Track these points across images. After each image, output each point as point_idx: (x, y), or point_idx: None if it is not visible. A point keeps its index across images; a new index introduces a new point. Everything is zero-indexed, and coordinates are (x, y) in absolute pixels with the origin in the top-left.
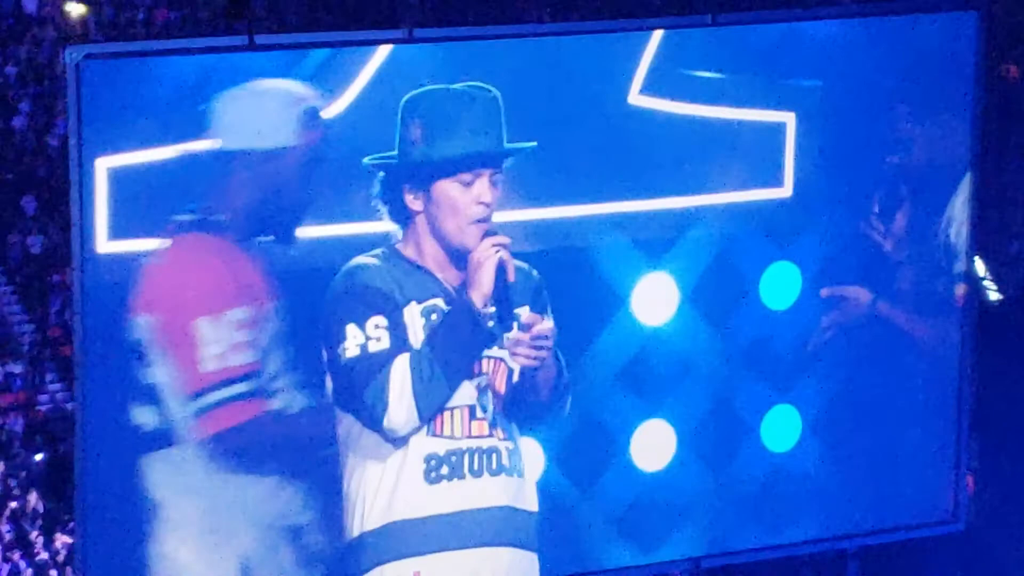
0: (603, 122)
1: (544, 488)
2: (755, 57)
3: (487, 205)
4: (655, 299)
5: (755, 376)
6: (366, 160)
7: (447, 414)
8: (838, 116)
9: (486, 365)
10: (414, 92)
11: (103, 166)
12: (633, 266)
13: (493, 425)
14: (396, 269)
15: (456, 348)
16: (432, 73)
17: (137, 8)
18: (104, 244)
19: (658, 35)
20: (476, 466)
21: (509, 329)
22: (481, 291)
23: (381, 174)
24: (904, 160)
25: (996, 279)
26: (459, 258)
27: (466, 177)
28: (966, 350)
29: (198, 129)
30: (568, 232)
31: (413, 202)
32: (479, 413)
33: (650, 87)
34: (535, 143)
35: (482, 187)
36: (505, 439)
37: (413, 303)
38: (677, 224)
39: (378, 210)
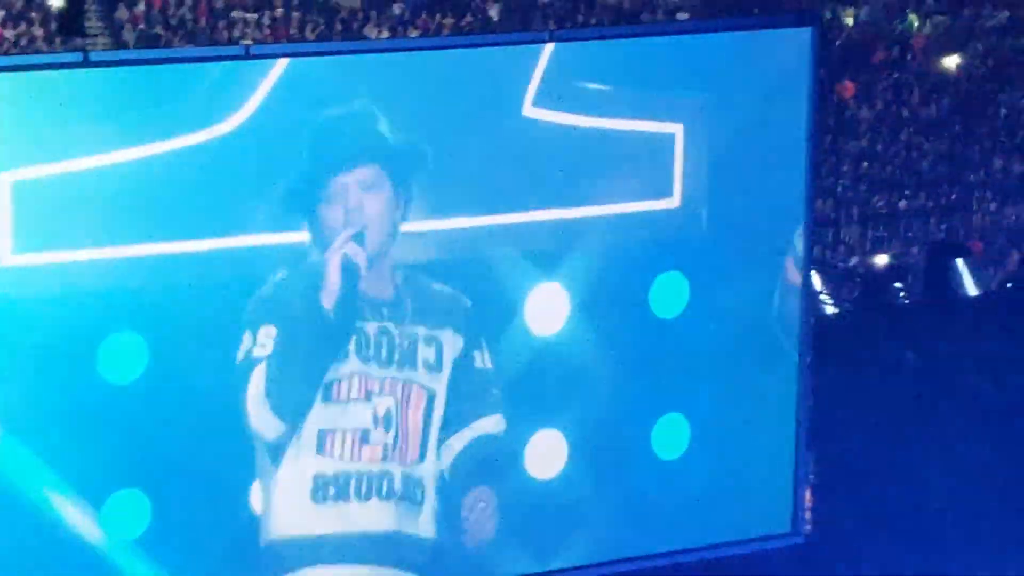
0: (497, 134)
1: (442, 500)
2: (644, 70)
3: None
4: (547, 309)
5: (645, 384)
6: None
7: (337, 436)
8: (713, 125)
9: (388, 386)
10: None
11: None
12: (526, 276)
13: (391, 450)
14: (307, 284)
15: (306, 350)
16: (327, 89)
17: None
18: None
19: (550, 48)
20: (364, 490)
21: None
22: (328, 291)
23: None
24: (756, 176)
25: (831, 294)
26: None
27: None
28: (802, 364)
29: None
30: (462, 243)
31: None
32: (372, 438)
33: (543, 99)
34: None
35: (353, 196)
36: (408, 465)
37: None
38: (568, 235)
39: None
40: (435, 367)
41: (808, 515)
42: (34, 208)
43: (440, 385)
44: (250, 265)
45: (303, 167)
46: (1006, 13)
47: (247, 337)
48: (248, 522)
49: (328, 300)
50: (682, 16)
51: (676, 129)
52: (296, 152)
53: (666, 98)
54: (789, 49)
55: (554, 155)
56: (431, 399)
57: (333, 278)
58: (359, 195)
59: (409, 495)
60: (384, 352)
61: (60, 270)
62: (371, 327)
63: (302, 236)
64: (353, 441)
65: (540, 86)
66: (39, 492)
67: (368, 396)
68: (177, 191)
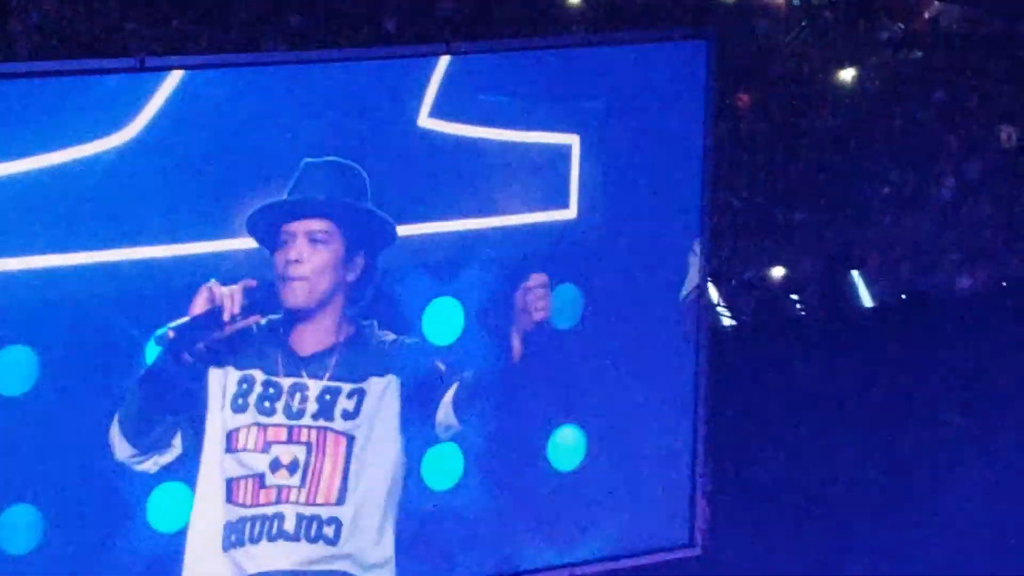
0: (392, 145)
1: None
2: (541, 80)
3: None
4: (444, 321)
5: (541, 396)
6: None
7: (242, 483)
8: (608, 136)
9: (308, 435)
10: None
11: None
12: (423, 289)
13: (291, 491)
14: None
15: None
16: (219, 101)
17: None
18: None
19: (445, 60)
20: (256, 533)
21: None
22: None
23: None
24: (652, 187)
25: (729, 306)
26: None
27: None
28: (700, 375)
29: None
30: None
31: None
32: (268, 480)
33: (439, 110)
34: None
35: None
36: (313, 506)
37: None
38: (464, 247)
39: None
40: (352, 415)
41: (704, 527)
42: None
43: (359, 429)
44: (145, 278)
45: (204, 179)
46: (901, 26)
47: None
48: (145, 537)
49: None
50: (579, 29)
51: (573, 140)
52: (193, 164)
53: (562, 109)
54: (686, 63)
55: (450, 166)
56: (350, 442)
57: (196, 309)
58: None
59: (311, 535)
60: (296, 405)
61: None
62: (284, 382)
63: (205, 247)
64: (253, 487)
65: (436, 97)
66: None
67: (267, 446)
68: (72, 202)
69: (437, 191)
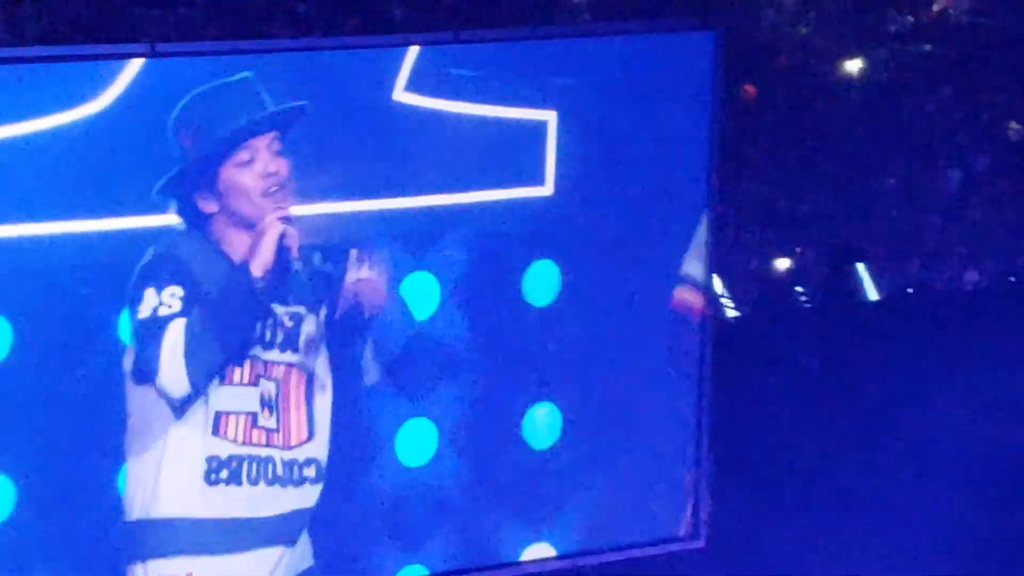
0: (367, 118)
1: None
2: (517, 54)
3: (274, 175)
4: (419, 296)
5: (516, 373)
6: (155, 191)
7: (231, 418)
8: (597, 116)
9: (276, 371)
10: (178, 106)
11: None
12: (397, 263)
13: (275, 431)
14: (206, 252)
15: (230, 315)
16: (193, 82)
17: None
18: None
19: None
20: (254, 474)
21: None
22: (260, 260)
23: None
24: (651, 172)
25: (733, 297)
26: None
27: (243, 156)
28: (704, 367)
29: None
30: (332, 229)
31: (207, 205)
32: (260, 421)
33: (414, 84)
34: (303, 103)
35: (263, 160)
36: (293, 448)
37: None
38: (439, 221)
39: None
40: (314, 348)
41: (708, 520)
42: None
43: (318, 363)
44: (129, 245)
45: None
46: (910, 18)
47: (150, 294)
48: (118, 505)
49: (258, 268)
50: (585, 17)
51: (549, 116)
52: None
53: (547, 86)
54: (692, 53)
55: (425, 141)
56: (310, 378)
57: (269, 244)
58: (271, 158)
59: (292, 479)
60: (269, 334)
61: None
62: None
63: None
64: (245, 424)
65: (412, 71)
66: None
67: (257, 380)
68: (49, 171)
69: (411, 166)
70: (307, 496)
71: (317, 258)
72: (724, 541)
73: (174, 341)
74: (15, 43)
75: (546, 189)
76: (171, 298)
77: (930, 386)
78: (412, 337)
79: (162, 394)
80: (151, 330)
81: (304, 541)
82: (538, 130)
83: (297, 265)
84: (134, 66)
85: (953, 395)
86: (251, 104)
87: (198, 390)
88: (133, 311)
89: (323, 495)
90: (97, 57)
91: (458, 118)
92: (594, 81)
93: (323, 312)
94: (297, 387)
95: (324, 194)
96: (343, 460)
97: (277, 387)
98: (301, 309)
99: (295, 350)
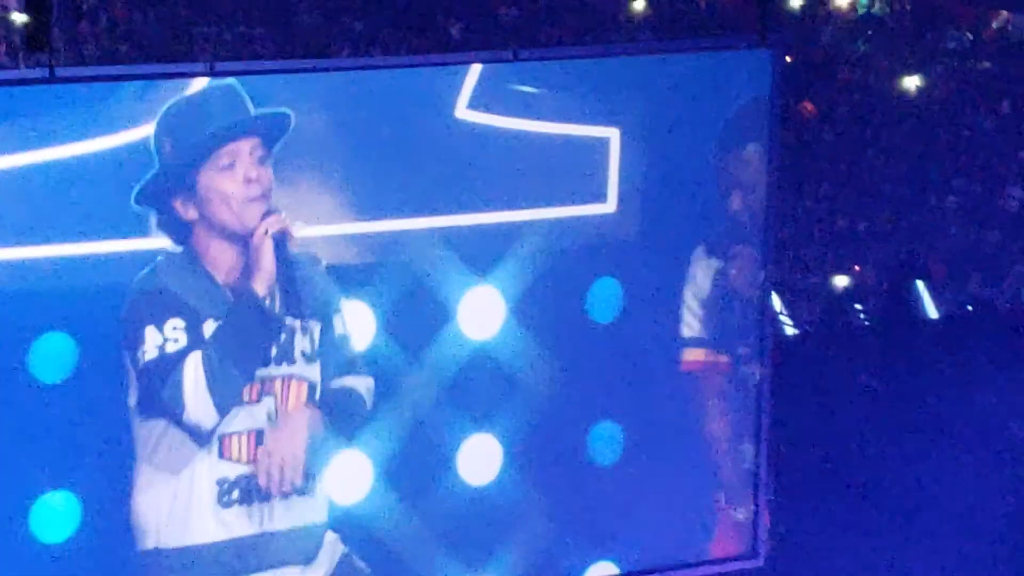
0: (430, 136)
1: (373, 501)
2: (577, 72)
3: (255, 181)
4: (481, 313)
5: (580, 390)
6: (133, 198)
7: (234, 439)
8: (658, 134)
9: (276, 385)
10: (159, 114)
11: None
12: (459, 280)
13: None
14: (192, 275)
15: (245, 339)
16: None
17: None
18: None
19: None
20: (263, 492)
21: (300, 316)
22: (263, 276)
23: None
24: (713, 189)
25: (792, 315)
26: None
27: (223, 160)
28: (763, 385)
29: None
30: (396, 246)
31: (187, 212)
32: (266, 436)
33: (477, 102)
34: (286, 110)
35: (245, 165)
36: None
37: (210, 320)
38: (503, 238)
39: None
40: (311, 357)
41: (767, 538)
42: None
43: (313, 371)
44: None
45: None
46: (968, 36)
47: (151, 333)
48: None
49: (261, 285)
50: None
51: (612, 134)
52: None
53: (609, 104)
54: (751, 71)
55: (488, 158)
56: (311, 387)
57: (267, 258)
58: (253, 164)
59: (300, 488)
60: (272, 350)
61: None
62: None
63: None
64: (249, 442)
65: (475, 89)
66: None
67: (260, 397)
68: (109, 191)
69: (475, 183)
70: (319, 510)
71: (309, 269)
72: (783, 559)
73: (194, 377)
74: (76, 63)
75: (609, 206)
76: (174, 331)
77: (990, 402)
78: (472, 354)
79: (191, 428)
80: (164, 369)
81: (325, 561)
82: (601, 147)
83: (294, 276)
84: (197, 85)
85: (1014, 411)
86: (233, 109)
87: (224, 416)
88: (134, 352)
89: (380, 509)
90: (157, 76)
91: (520, 135)
92: (654, 99)
93: (315, 322)
94: (297, 398)
95: (384, 212)
96: (407, 477)
97: (276, 401)
98: (296, 322)
99: (291, 361)
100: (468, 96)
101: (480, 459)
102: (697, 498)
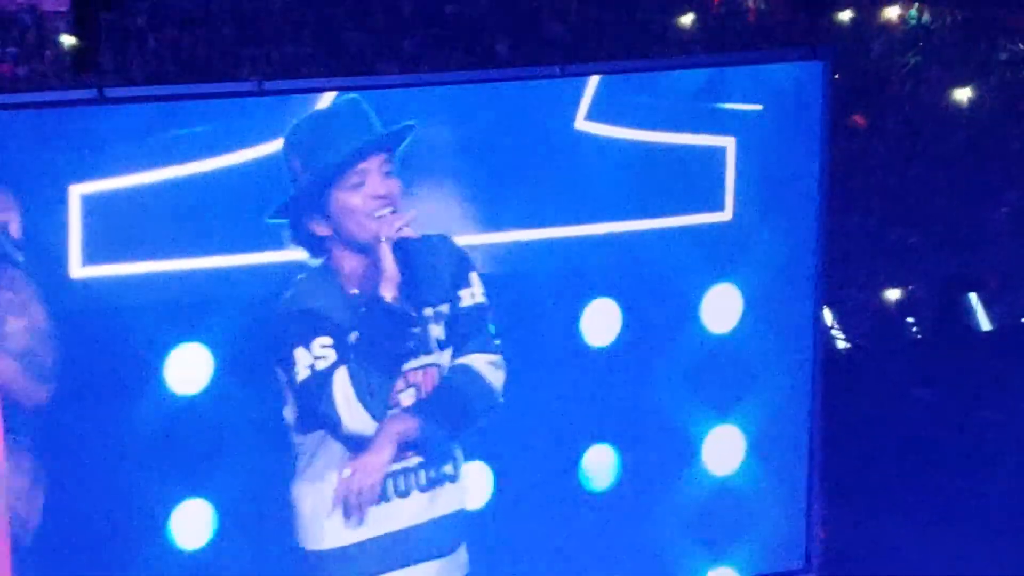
0: (549, 147)
1: (495, 509)
2: (696, 84)
3: (384, 198)
4: (600, 323)
5: (697, 398)
6: (268, 217)
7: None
8: (776, 143)
9: (416, 376)
10: (288, 129)
11: None
12: (578, 290)
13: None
14: (331, 290)
15: (383, 345)
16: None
17: None
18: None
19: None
20: (403, 487)
21: (431, 304)
22: (387, 281)
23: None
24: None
25: (844, 329)
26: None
27: (354, 179)
28: (815, 398)
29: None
30: (513, 256)
31: (321, 229)
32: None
33: (596, 113)
34: (412, 122)
35: (374, 183)
36: (430, 452)
37: (354, 332)
38: (620, 248)
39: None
40: (445, 343)
41: (820, 550)
42: (102, 221)
43: (446, 357)
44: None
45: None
46: (1021, 45)
47: (301, 354)
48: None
49: (388, 290)
50: (693, 49)
51: (728, 142)
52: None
53: (717, 113)
54: (801, 83)
55: (606, 168)
56: (442, 373)
57: (389, 262)
58: (382, 180)
59: (441, 478)
60: (410, 345)
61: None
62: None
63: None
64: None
65: (593, 100)
66: (108, 502)
67: (404, 390)
68: (250, 203)
69: (593, 194)
70: (456, 498)
71: (434, 255)
72: (836, 572)
73: (344, 391)
74: (125, 84)
75: (725, 215)
76: (323, 349)
77: None
78: (593, 363)
79: (351, 438)
80: (316, 386)
81: (461, 557)
82: (717, 156)
83: (420, 269)
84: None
85: None
86: (360, 125)
87: (383, 420)
88: (289, 373)
89: (488, 510)
90: (206, 96)
91: (637, 145)
92: (779, 102)
93: (445, 307)
94: (432, 384)
95: (503, 224)
96: (529, 484)
97: (419, 390)
98: (429, 311)
99: (429, 351)
100: (587, 107)
101: (599, 466)
102: (750, 509)
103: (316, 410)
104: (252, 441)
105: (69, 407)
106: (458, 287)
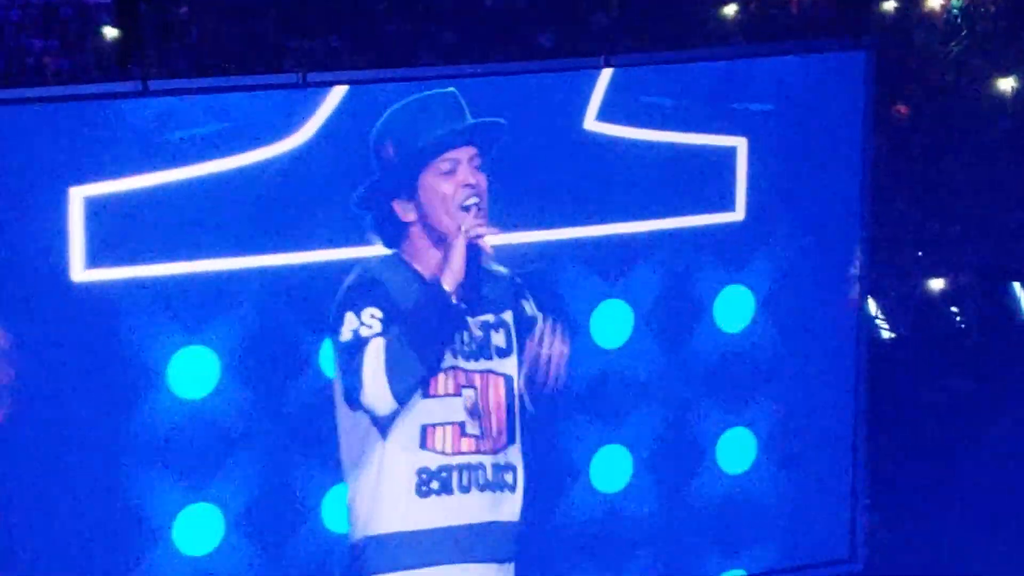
0: (559, 148)
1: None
2: (708, 82)
3: (472, 187)
4: (612, 324)
5: (711, 398)
6: (354, 200)
7: (438, 430)
8: (788, 142)
9: (475, 379)
10: (379, 121)
11: None
12: (590, 291)
13: (481, 438)
14: (401, 271)
15: (428, 331)
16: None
17: (27, 55)
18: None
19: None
20: (465, 482)
21: (493, 311)
22: (452, 273)
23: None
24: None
25: (888, 319)
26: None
27: (444, 165)
28: (859, 389)
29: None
30: (521, 257)
31: (406, 214)
32: (468, 430)
33: (606, 113)
34: (501, 119)
35: (464, 172)
36: (498, 452)
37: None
38: (632, 249)
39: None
40: (506, 351)
41: (864, 542)
42: (105, 223)
43: (514, 367)
44: (314, 280)
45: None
46: None
47: (350, 318)
48: (321, 538)
49: (450, 281)
50: (736, 39)
51: (740, 142)
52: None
53: (726, 113)
54: (844, 73)
55: (617, 168)
56: (507, 381)
57: (458, 256)
58: (472, 171)
59: (500, 483)
60: (466, 344)
61: (131, 284)
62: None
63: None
64: (453, 434)
65: (604, 100)
66: (114, 506)
67: (459, 390)
68: (255, 205)
69: (603, 194)
70: (512, 507)
71: (499, 267)
72: (882, 563)
73: (375, 360)
74: (168, 76)
75: (737, 215)
76: (371, 319)
77: None
78: (604, 365)
79: (368, 412)
80: (353, 351)
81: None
82: (728, 156)
83: (485, 275)
84: (335, 96)
85: None
86: (454, 116)
87: (402, 405)
88: (336, 336)
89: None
90: (249, 88)
91: (648, 145)
92: (791, 101)
93: (510, 315)
94: (496, 391)
95: (516, 225)
96: (539, 486)
97: (478, 394)
98: (490, 317)
99: (488, 357)
100: (598, 107)
101: (612, 468)
102: (795, 502)
103: (346, 376)
104: (259, 445)
105: (73, 412)
106: (519, 298)
